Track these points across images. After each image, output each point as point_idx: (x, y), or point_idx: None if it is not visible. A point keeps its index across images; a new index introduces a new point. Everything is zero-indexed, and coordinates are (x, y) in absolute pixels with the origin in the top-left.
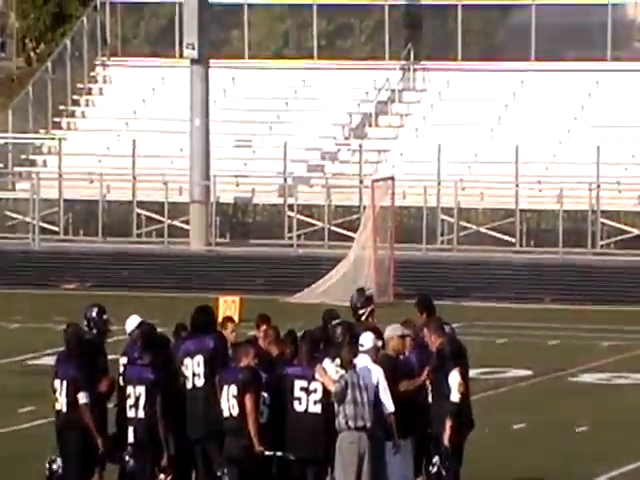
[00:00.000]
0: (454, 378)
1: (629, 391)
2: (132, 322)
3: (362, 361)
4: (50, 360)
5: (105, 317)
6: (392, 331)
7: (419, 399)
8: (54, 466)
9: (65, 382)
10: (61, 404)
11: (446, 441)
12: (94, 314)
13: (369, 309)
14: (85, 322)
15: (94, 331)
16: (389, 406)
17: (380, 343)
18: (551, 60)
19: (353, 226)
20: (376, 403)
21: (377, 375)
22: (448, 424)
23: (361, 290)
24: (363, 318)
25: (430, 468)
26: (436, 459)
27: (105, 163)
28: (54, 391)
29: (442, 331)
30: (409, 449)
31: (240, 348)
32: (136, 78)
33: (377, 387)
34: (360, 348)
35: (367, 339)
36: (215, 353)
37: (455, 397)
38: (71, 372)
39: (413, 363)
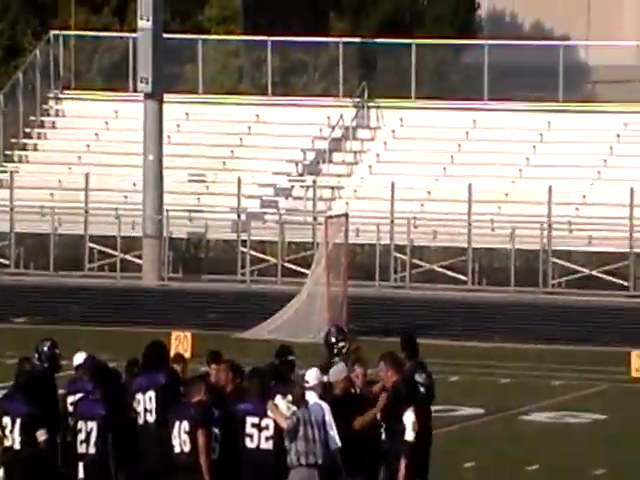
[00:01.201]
0: (409, 417)
1: (579, 429)
2: (78, 358)
3: (308, 398)
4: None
5: (57, 351)
6: (337, 375)
7: (371, 436)
8: None
9: (19, 420)
10: (12, 441)
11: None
12: (46, 348)
13: (347, 344)
14: (36, 355)
15: (45, 365)
16: (336, 442)
17: (325, 378)
18: (504, 100)
19: (306, 262)
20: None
21: (323, 411)
22: (403, 464)
23: (338, 327)
24: (344, 351)
25: None
26: None
27: (57, 196)
28: (2, 428)
29: (399, 368)
30: None
31: (192, 384)
32: (89, 111)
33: (323, 423)
34: (305, 384)
35: (311, 375)
36: (167, 389)
37: (410, 436)
38: (24, 409)
39: (366, 398)
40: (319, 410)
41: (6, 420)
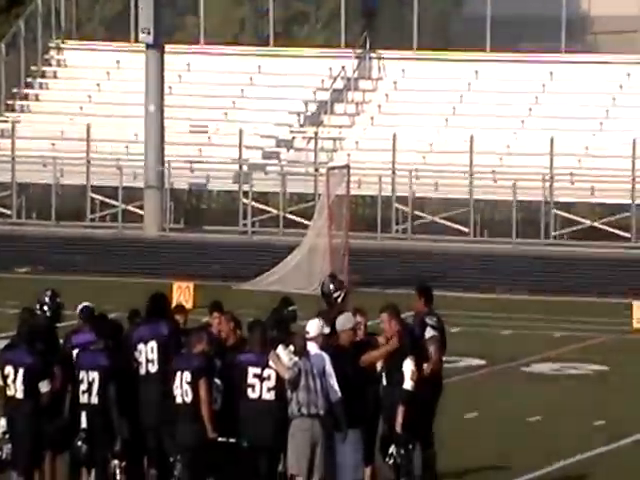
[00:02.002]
0: (408, 366)
1: (580, 380)
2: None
3: (309, 348)
4: (1, 344)
5: (58, 300)
6: (343, 324)
7: (372, 386)
8: (2, 453)
9: (22, 369)
10: (15, 390)
11: (398, 428)
12: (47, 298)
13: (343, 292)
14: (38, 306)
15: (47, 314)
16: (336, 392)
17: (327, 330)
18: (506, 51)
19: (308, 214)
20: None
21: (324, 362)
22: (400, 411)
23: (333, 275)
24: (339, 301)
25: (387, 459)
26: (392, 449)
27: (59, 147)
28: (4, 377)
29: (400, 318)
30: (359, 437)
31: (193, 335)
32: (91, 62)
33: (323, 374)
34: (306, 335)
35: (312, 326)
36: (169, 339)
37: (408, 385)
38: (27, 359)
39: (371, 343)
40: (320, 360)
41: (9, 369)
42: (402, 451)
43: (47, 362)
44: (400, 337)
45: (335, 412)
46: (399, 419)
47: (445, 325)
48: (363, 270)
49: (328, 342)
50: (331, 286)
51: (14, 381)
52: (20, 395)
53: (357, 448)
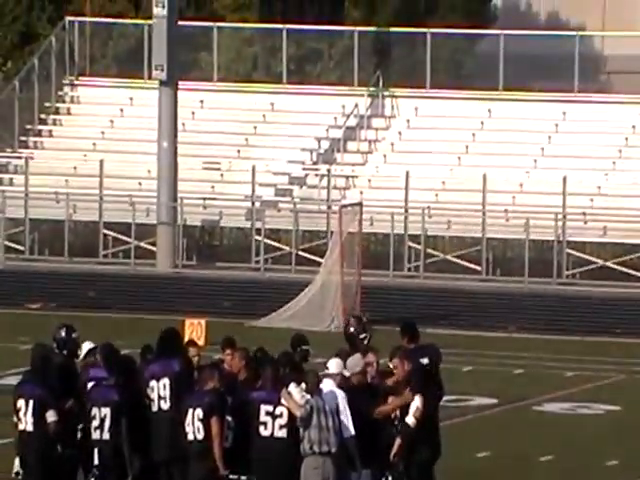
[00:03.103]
0: (415, 403)
1: (592, 421)
2: (85, 347)
3: (326, 385)
4: (14, 380)
5: (75, 336)
6: (352, 368)
7: (385, 426)
8: None
9: (32, 401)
10: (26, 423)
11: (391, 457)
12: (63, 334)
13: (369, 334)
14: (55, 344)
15: (64, 352)
16: (350, 430)
17: (347, 373)
18: (519, 90)
19: (320, 251)
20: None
21: (337, 399)
22: (397, 442)
23: (358, 317)
24: (364, 342)
25: None
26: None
27: (72, 183)
28: (17, 411)
29: (410, 359)
30: (370, 476)
31: (205, 371)
32: (104, 98)
33: (338, 411)
34: (325, 371)
35: (333, 364)
36: (181, 376)
37: (410, 420)
38: (37, 391)
39: (379, 388)
40: (333, 398)
41: (20, 403)
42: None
43: (56, 394)
44: (407, 377)
45: (349, 450)
46: (395, 449)
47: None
48: (375, 308)
49: (344, 382)
50: (356, 328)
51: (25, 414)
52: (30, 428)
53: None
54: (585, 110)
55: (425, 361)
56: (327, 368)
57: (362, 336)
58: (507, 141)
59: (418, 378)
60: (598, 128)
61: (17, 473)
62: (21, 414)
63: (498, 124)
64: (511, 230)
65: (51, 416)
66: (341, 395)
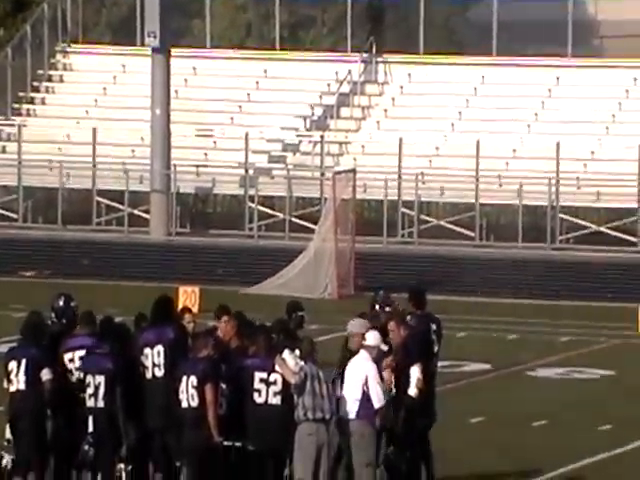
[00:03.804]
0: (414, 372)
1: (587, 386)
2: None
3: (359, 356)
4: (7, 348)
5: (73, 304)
6: (356, 328)
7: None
8: (3, 462)
9: (24, 360)
10: (18, 382)
11: (398, 430)
12: (61, 303)
13: (389, 312)
14: (53, 313)
15: (63, 321)
16: (377, 401)
17: (386, 348)
18: (512, 55)
19: (314, 218)
20: (368, 398)
21: (367, 371)
22: (401, 416)
23: (387, 293)
24: (382, 318)
25: (382, 460)
26: (390, 449)
27: (65, 151)
28: (8, 374)
29: (407, 324)
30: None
31: (199, 339)
32: (97, 66)
33: (366, 383)
34: (363, 342)
35: (371, 337)
36: (175, 343)
37: (412, 392)
38: (31, 351)
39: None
40: (363, 369)
41: (12, 364)
42: (399, 453)
43: (49, 354)
44: (405, 344)
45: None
46: (399, 423)
47: (442, 329)
48: (369, 274)
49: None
50: (382, 302)
51: (17, 374)
52: (22, 386)
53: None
54: (578, 75)
55: (433, 327)
56: (365, 339)
57: (386, 310)
58: (500, 107)
59: (416, 345)
60: (591, 93)
61: (8, 441)
62: (12, 375)
63: (491, 90)
64: (504, 196)
65: (46, 374)
66: (370, 367)
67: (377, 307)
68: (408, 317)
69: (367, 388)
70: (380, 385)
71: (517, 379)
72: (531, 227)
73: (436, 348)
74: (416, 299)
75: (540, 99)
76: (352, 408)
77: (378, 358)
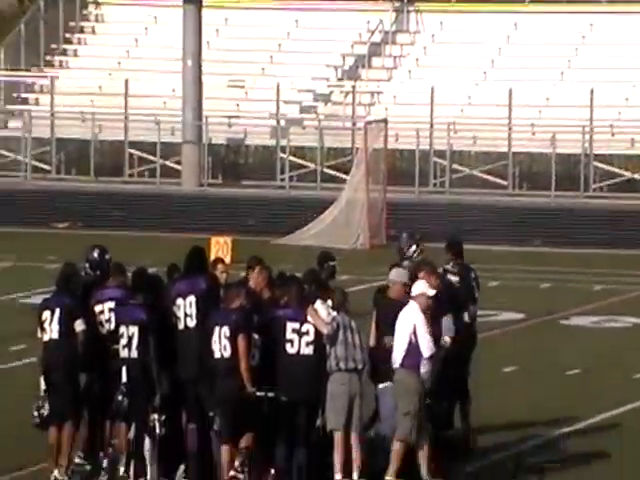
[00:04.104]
0: (447, 322)
1: (620, 334)
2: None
3: (410, 305)
4: (40, 299)
5: (108, 257)
6: (396, 277)
7: None
8: (43, 411)
9: (58, 309)
10: (51, 331)
11: (430, 382)
12: (95, 255)
13: (420, 248)
14: (87, 265)
15: (97, 273)
16: (427, 350)
17: (432, 292)
18: (545, 2)
19: (345, 168)
20: (414, 348)
21: (415, 320)
22: (435, 366)
23: (410, 232)
24: (415, 256)
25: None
26: (427, 400)
27: (97, 102)
28: (42, 323)
29: (438, 274)
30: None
31: (232, 289)
32: (129, 17)
33: (414, 332)
34: (412, 294)
35: (416, 286)
36: (207, 294)
37: (445, 341)
38: (65, 300)
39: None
40: (409, 319)
41: (46, 314)
42: (436, 404)
43: (83, 305)
44: (436, 294)
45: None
46: (433, 373)
47: (477, 277)
48: (400, 225)
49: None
50: (407, 243)
51: (50, 323)
52: (55, 335)
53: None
54: (612, 21)
55: (472, 275)
56: (412, 291)
57: (412, 250)
58: (533, 54)
59: (448, 293)
60: (626, 39)
61: (45, 391)
62: (46, 324)
63: (524, 37)
64: (537, 144)
65: (79, 325)
66: (418, 317)
67: (404, 249)
68: (450, 264)
69: (415, 338)
70: (429, 334)
71: (551, 328)
72: (564, 175)
73: (476, 294)
74: (455, 248)
75: (573, 46)
76: (398, 357)
77: (426, 306)
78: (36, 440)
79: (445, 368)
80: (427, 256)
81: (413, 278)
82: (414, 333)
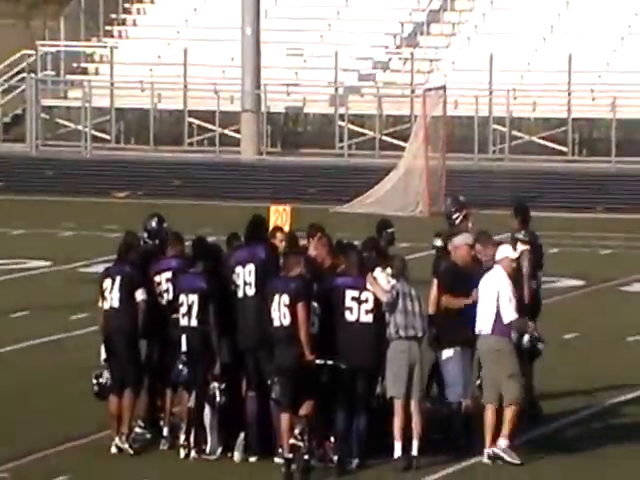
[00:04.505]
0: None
1: None
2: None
3: (494, 270)
4: (102, 268)
5: (165, 225)
6: (462, 239)
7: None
8: (102, 380)
9: (119, 278)
10: (112, 300)
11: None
12: (154, 224)
13: (463, 213)
14: (145, 234)
15: (156, 242)
16: (506, 316)
17: (514, 255)
18: None
19: (404, 136)
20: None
21: (499, 287)
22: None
23: (454, 197)
24: (457, 222)
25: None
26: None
27: (156, 72)
28: (103, 292)
29: (494, 244)
30: (469, 357)
31: (291, 257)
32: None
33: (498, 299)
34: (496, 258)
35: (501, 250)
36: (267, 262)
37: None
38: (126, 269)
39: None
40: (493, 285)
41: (107, 282)
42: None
43: (144, 274)
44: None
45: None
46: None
47: (542, 244)
48: (460, 192)
49: (441, 258)
50: (452, 207)
51: (111, 291)
52: (116, 304)
53: (466, 367)
54: None
55: (539, 243)
56: (495, 255)
57: (455, 216)
58: (592, 19)
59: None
60: None
61: (105, 360)
62: (107, 293)
63: (583, 2)
64: (597, 110)
65: (140, 294)
66: (503, 282)
67: (451, 215)
68: (522, 233)
69: (499, 304)
70: (511, 300)
71: (611, 294)
72: (625, 141)
73: (542, 261)
74: (523, 215)
75: (633, 10)
76: (488, 324)
77: (511, 269)
78: (98, 409)
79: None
80: (472, 222)
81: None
82: (498, 299)
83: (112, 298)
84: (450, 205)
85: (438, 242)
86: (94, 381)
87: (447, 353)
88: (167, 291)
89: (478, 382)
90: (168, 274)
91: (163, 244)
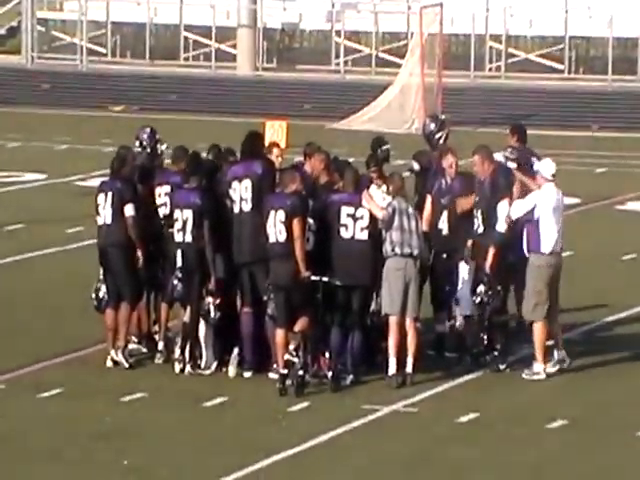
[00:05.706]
0: (502, 208)
1: None
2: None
3: (546, 188)
4: (98, 182)
5: (157, 137)
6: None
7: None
8: (100, 294)
9: (110, 194)
10: (104, 217)
11: (487, 268)
12: (146, 135)
13: (445, 132)
14: (137, 143)
15: (147, 151)
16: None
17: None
18: None
19: (400, 52)
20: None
21: (558, 203)
22: (491, 252)
23: (434, 116)
24: (440, 142)
25: (474, 298)
26: (480, 288)
27: None
28: (97, 207)
29: (493, 159)
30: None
31: (287, 174)
32: None
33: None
34: (543, 175)
35: (548, 167)
36: (263, 178)
37: (501, 227)
38: (117, 184)
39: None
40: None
41: (100, 198)
42: (490, 291)
43: (134, 189)
44: (492, 179)
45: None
46: (489, 260)
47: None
48: (456, 109)
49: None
50: (432, 126)
51: (104, 207)
52: (109, 220)
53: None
54: None
55: (534, 160)
56: (541, 173)
57: (438, 135)
58: None
59: (505, 180)
60: None
61: (103, 274)
62: (100, 208)
63: None
64: (594, 27)
65: (129, 210)
66: (554, 200)
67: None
68: (509, 150)
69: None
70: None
71: (606, 213)
72: (621, 59)
73: None
74: (520, 133)
75: None
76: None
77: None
78: (94, 323)
79: (501, 254)
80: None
81: (438, 164)
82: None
83: (105, 215)
84: (430, 125)
85: (416, 166)
86: (93, 295)
87: (465, 266)
88: (165, 204)
89: (477, 299)
90: (167, 188)
91: (154, 155)
